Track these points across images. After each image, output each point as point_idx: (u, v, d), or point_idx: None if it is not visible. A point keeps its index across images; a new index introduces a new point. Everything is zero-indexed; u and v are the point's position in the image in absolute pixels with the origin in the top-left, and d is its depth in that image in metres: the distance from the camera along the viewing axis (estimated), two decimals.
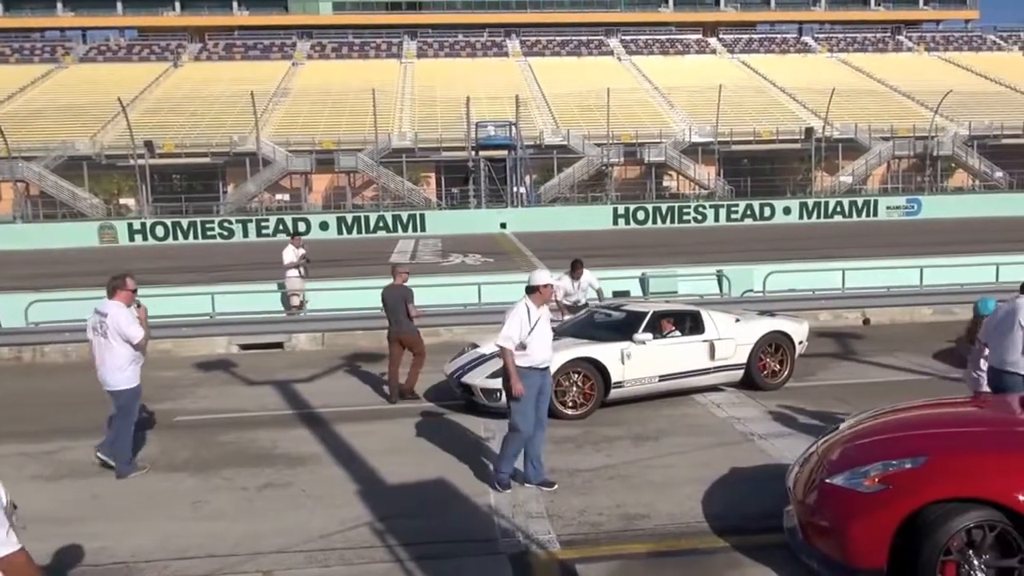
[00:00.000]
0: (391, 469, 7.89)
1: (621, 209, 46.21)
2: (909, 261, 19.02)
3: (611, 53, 79.35)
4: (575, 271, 13.10)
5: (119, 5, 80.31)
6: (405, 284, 10.87)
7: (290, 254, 17.01)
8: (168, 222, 44.06)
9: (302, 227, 43.14)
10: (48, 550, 6.25)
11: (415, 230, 43.54)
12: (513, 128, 50.66)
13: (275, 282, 17.72)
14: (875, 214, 46.67)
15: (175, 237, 42.90)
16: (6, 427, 9.91)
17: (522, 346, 7.22)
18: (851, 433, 5.73)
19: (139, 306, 8.05)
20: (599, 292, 13.21)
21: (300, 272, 17.09)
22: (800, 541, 5.37)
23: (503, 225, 42.84)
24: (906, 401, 6.51)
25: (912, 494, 4.78)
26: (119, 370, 7.90)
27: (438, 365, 10.87)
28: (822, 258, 22.64)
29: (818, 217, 46.27)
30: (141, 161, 49.65)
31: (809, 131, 55.84)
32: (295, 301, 17.04)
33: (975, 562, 4.66)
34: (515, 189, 49.90)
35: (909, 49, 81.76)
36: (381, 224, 43.99)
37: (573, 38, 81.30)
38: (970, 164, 59.11)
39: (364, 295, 17.11)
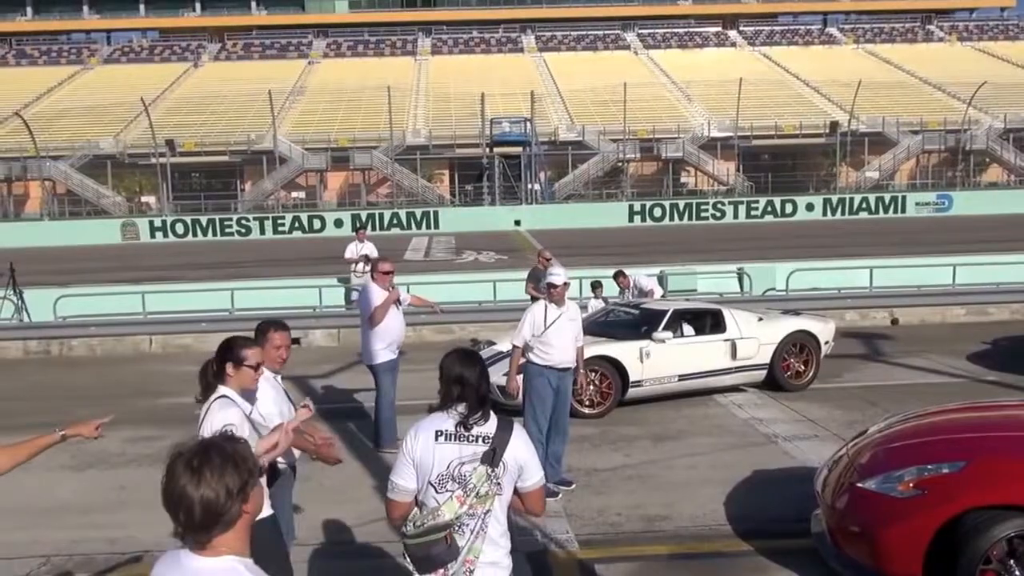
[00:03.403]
0: None
1: (637, 206, 45.77)
2: (940, 259, 18.53)
3: (628, 47, 78.66)
4: (619, 279, 13.44)
5: (142, 6, 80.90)
6: (540, 267, 12.69)
7: (352, 249, 16.49)
8: (188, 219, 44.34)
9: (313, 223, 43.27)
10: (74, 538, 6.37)
11: (429, 227, 43.40)
12: (528, 124, 50.34)
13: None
14: (903, 210, 45.31)
15: (194, 234, 43.15)
16: (34, 418, 9.88)
17: (540, 344, 7.06)
18: (882, 436, 5.52)
19: (392, 288, 8.38)
20: (651, 292, 13.21)
21: (358, 268, 16.08)
22: (829, 546, 5.21)
23: (517, 222, 42.61)
24: (938, 404, 6.28)
25: (950, 500, 4.58)
26: (365, 346, 8.43)
27: None
28: (847, 256, 22.09)
29: (843, 214, 45.11)
30: (162, 160, 50.01)
31: (834, 125, 54.67)
32: (355, 297, 16.64)
33: (1017, 572, 4.44)
34: (530, 186, 49.63)
35: (940, 39, 79.31)
36: (395, 221, 43.93)
37: (589, 32, 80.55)
38: (1005, 158, 57.42)
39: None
